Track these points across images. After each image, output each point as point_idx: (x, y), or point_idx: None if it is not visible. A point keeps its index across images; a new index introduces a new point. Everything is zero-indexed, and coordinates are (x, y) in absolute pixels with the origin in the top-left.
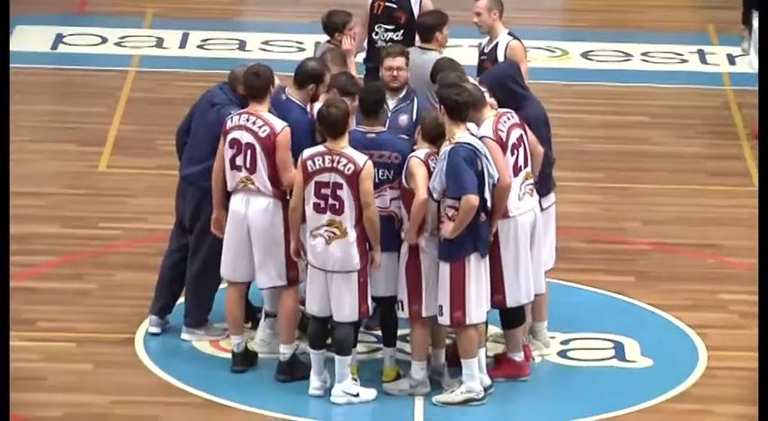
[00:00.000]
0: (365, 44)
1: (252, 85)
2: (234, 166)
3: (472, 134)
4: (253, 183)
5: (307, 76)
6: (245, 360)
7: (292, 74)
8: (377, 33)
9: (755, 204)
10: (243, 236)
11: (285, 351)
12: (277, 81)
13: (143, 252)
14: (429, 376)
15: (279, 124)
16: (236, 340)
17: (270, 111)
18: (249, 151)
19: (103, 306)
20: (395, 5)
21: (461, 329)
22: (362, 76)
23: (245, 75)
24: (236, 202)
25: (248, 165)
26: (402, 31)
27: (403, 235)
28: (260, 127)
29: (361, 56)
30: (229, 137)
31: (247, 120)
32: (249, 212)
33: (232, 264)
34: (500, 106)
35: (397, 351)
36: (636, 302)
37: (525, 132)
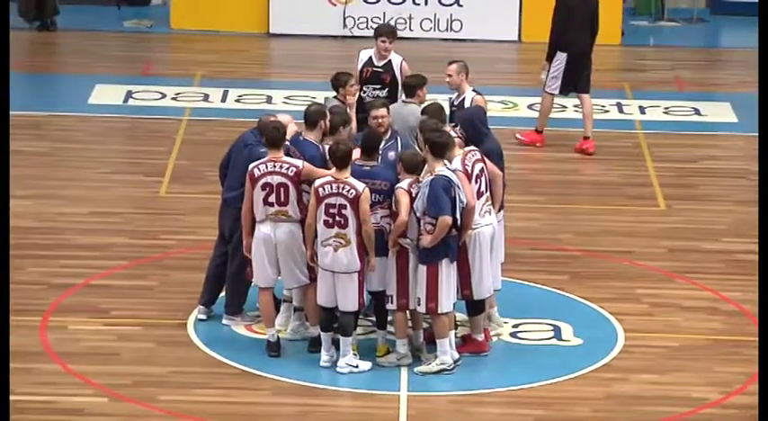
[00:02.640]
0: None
1: (273, 136)
2: (266, 203)
3: (448, 168)
4: (285, 214)
5: (314, 116)
6: (278, 347)
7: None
8: (365, 92)
9: (660, 220)
10: (272, 253)
11: (315, 331)
12: (296, 127)
13: (193, 257)
14: (411, 351)
15: (298, 162)
16: (270, 331)
17: (286, 154)
18: (282, 189)
19: (163, 298)
20: (381, 69)
21: (435, 316)
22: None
23: (267, 129)
24: (266, 229)
25: (282, 200)
26: (387, 90)
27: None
28: (287, 169)
29: None
30: (261, 182)
31: (274, 166)
32: (277, 234)
33: (263, 274)
34: (467, 138)
35: (387, 333)
36: (570, 295)
37: (485, 165)
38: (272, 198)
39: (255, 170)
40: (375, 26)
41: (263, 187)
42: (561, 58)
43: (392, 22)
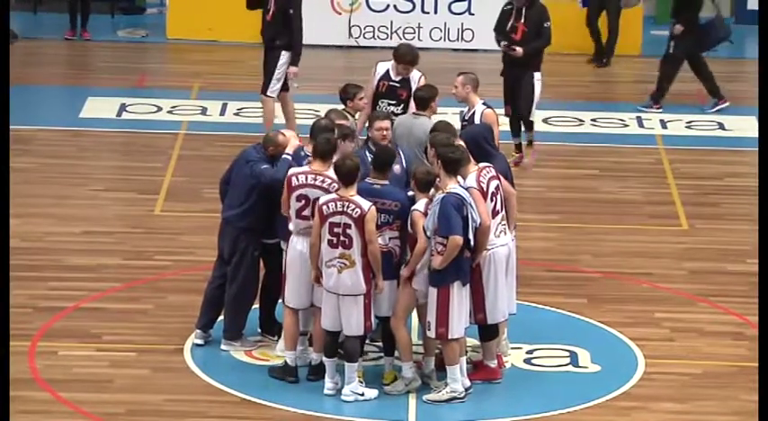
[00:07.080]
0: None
1: (323, 148)
2: (300, 216)
3: (461, 185)
4: None
5: (322, 132)
6: (296, 372)
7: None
8: (379, 107)
9: (682, 241)
10: (306, 272)
11: (316, 357)
12: (298, 142)
13: (190, 279)
14: (420, 377)
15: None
16: (291, 355)
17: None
18: (316, 204)
19: (158, 322)
20: (398, 84)
21: (445, 342)
22: (364, 138)
23: (318, 138)
24: (300, 244)
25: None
26: (402, 105)
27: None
28: (329, 184)
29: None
30: (297, 192)
31: (315, 179)
32: None
33: (296, 295)
34: (473, 158)
35: (395, 359)
36: (587, 320)
37: (500, 182)
38: (306, 212)
39: (293, 179)
40: (391, 44)
41: (299, 198)
42: (285, 56)
43: (400, 32)
